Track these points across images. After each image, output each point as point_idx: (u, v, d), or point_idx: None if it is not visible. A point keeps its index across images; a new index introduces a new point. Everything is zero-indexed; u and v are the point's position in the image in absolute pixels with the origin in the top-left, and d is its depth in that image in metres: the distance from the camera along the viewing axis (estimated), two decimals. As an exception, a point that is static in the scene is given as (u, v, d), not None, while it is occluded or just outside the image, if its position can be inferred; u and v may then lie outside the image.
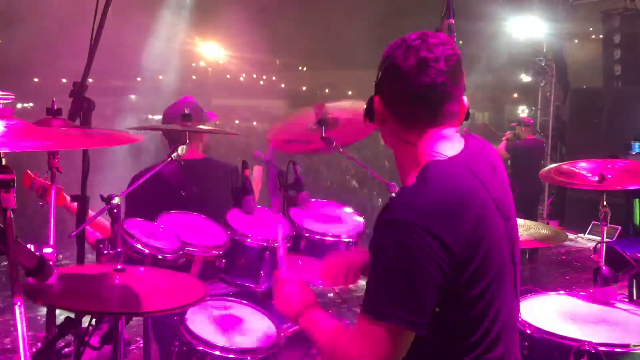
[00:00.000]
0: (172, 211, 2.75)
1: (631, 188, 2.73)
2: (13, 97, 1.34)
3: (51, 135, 1.44)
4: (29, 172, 2.91)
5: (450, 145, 1.55)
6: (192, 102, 3.35)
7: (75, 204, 2.43)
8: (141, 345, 2.56)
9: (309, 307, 1.70)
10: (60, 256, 6.31)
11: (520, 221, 2.99)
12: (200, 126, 3.07)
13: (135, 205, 2.92)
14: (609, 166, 2.73)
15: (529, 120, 8.69)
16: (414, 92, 1.51)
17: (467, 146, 1.58)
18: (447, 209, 1.42)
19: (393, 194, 1.68)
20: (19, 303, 1.14)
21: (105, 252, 1.99)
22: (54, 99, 2.05)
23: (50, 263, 1.77)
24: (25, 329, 1.14)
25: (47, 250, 1.95)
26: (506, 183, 1.66)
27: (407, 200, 1.46)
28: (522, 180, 8.07)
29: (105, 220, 2.72)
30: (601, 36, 9.89)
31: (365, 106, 1.64)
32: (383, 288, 1.41)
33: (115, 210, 2.20)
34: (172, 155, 2.69)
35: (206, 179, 3.22)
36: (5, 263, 1.38)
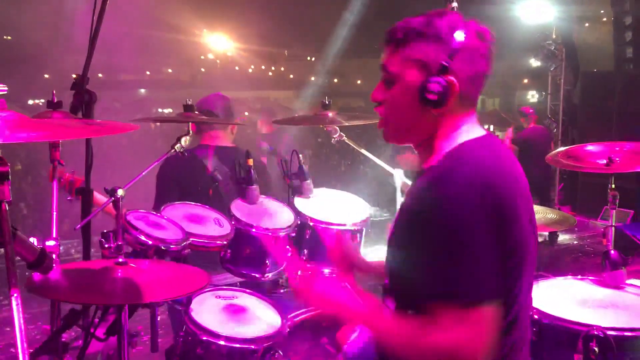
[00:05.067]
0: (176, 202, 2.76)
1: (641, 170, 2.68)
2: (6, 89, 1.34)
3: (45, 126, 1.45)
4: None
5: (476, 126, 1.57)
6: (222, 96, 3.44)
7: (100, 196, 2.46)
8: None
9: (352, 308, 1.58)
10: (73, 251, 6.37)
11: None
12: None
13: (168, 190, 3.08)
14: (617, 149, 2.69)
15: (527, 110, 8.79)
16: (484, 73, 1.54)
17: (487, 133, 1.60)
18: (491, 180, 1.41)
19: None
20: (15, 294, 1.14)
21: (107, 245, 1.99)
22: (54, 92, 2.05)
23: (53, 256, 1.78)
24: (22, 320, 1.15)
25: (50, 243, 1.97)
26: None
27: (456, 175, 1.41)
28: (527, 169, 8.09)
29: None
30: (612, 18, 9.73)
31: (431, 93, 1.49)
32: (462, 268, 1.36)
33: (119, 203, 2.21)
34: (175, 147, 2.70)
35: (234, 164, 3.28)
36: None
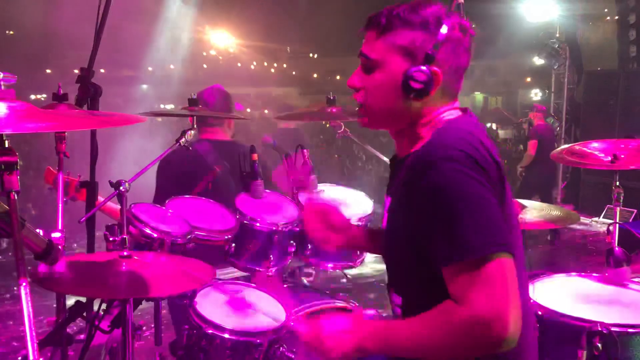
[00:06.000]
0: (185, 195, 2.77)
1: (646, 168, 2.68)
2: (15, 79, 1.34)
3: (53, 117, 1.44)
4: (51, 168, 2.94)
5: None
6: (220, 90, 3.42)
7: (101, 198, 2.47)
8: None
9: (365, 331, 1.44)
10: (75, 245, 6.38)
11: (532, 203, 2.97)
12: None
13: (167, 183, 3.10)
14: (622, 146, 2.68)
15: (541, 107, 8.84)
16: (465, 67, 1.55)
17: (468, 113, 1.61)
18: (478, 146, 1.41)
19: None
20: (24, 284, 1.14)
21: (111, 238, 1.98)
22: (60, 84, 2.06)
23: (59, 247, 1.79)
24: (30, 309, 1.15)
25: (56, 234, 1.97)
26: None
27: (445, 141, 1.41)
28: (541, 166, 8.16)
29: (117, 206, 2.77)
30: (616, 17, 9.71)
31: (416, 81, 1.48)
32: (467, 222, 1.30)
33: (124, 196, 2.20)
34: (181, 141, 2.70)
35: (234, 159, 3.27)
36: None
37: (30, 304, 1.13)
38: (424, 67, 1.47)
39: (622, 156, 2.59)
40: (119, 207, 2.16)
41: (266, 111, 16.16)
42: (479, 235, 1.30)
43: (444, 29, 1.47)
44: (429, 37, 1.48)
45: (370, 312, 2.15)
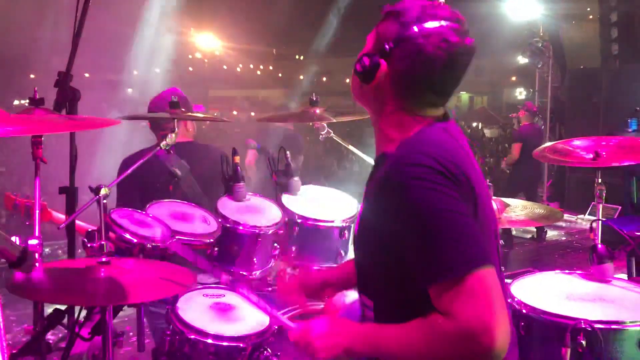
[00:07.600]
0: (164, 200, 2.73)
1: (627, 164, 2.68)
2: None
3: (25, 121, 1.42)
4: (10, 194, 2.89)
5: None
6: (178, 92, 3.35)
7: (62, 216, 2.43)
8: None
9: (354, 333, 1.46)
10: (60, 251, 6.31)
11: (516, 201, 2.97)
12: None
13: (128, 188, 2.97)
14: (604, 143, 2.69)
15: (532, 107, 8.85)
16: (434, 82, 1.49)
17: (449, 122, 1.57)
18: (446, 159, 1.39)
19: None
20: (-7, 293, 1.11)
21: (89, 245, 1.95)
22: (36, 89, 2.02)
23: (36, 255, 1.75)
24: (1, 320, 1.12)
25: (33, 242, 1.93)
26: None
27: (412, 158, 1.38)
28: (527, 166, 8.18)
29: (82, 223, 2.73)
30: (598, 16, 9.80)
31: (360, 64, 1.50)
32: (445, 242, 1.31)
33: (104, 201, 2.17)
34: (161, 144, 2.66)
35: (194, 160, 3.22)
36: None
37: (0, 315, 1.11)
38: (374, 56, 1.48)
39: (604, 153, 2.60)
40: (84, 224, 2.12)
41: (252, 113, 16.13)
42: (459, 254, 1.30)
43: (415, 29, 1.43)
44: (397, 32, 1.46)
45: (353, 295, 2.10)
